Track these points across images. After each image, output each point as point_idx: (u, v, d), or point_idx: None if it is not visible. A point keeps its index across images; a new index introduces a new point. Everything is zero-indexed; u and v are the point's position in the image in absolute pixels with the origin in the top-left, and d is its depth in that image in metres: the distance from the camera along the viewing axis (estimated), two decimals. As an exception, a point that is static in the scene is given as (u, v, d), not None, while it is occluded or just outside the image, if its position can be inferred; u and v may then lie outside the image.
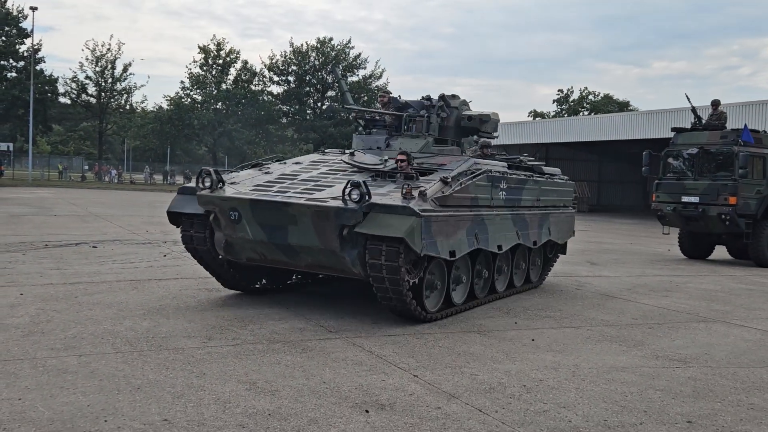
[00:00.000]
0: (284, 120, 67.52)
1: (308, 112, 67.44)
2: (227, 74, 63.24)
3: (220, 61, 62.78)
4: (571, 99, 65.03)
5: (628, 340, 7.64)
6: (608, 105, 63.52)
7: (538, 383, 5.79)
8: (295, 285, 9.92)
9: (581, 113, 61.92)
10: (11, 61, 59.36)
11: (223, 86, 62.50)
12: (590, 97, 65.07)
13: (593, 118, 40.96)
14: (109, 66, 61.37)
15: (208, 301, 8.59)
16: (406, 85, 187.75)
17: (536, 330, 7.93)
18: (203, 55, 62.60)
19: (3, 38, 58.12)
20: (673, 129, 17.89)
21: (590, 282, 12.18)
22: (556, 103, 65.54)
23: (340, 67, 63.99)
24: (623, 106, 64.46)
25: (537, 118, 61.34)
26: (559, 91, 65.85)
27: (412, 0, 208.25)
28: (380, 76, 67.17)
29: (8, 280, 9.58)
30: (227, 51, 63.04)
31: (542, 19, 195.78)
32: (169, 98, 63.52)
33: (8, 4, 58.41)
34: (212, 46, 62.67)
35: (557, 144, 42.56)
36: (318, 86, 66.58)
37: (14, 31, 58.61)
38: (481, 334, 7.57)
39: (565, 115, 60.34)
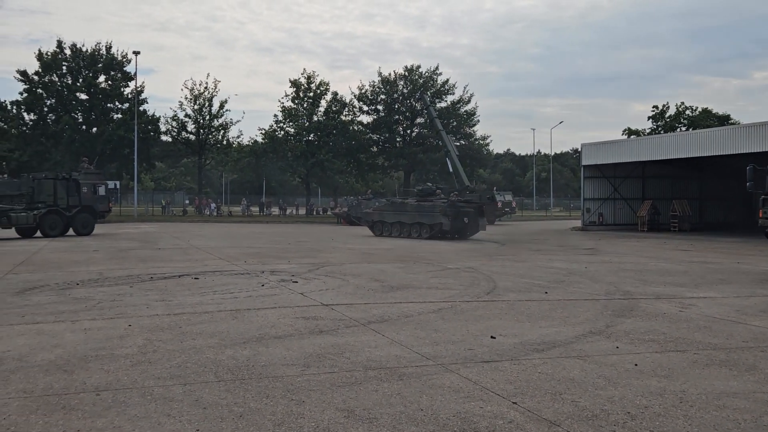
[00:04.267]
0: (374, 148, 68.30)
1: (398, 139, 68.00)
2: (318, 106, 64.60)
3: (311, 94, 64.21)
4: (667, 115, 62.98)
5: (738, 364, 7.28)
6: (707, 119, 61.16)
7: (643, 410, 5.58)
8: (389, 314, 9.96)
9: (678, 129, 59.86)
10: (117, 103, 62.65)
11: (315, 118, 63.86)
12: (687, 112, 62.88)
13: (693, 134, 39.45)
14: (207, 104, 63.78)
15: (306, 330, 8.73)
16: (494, 108, 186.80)
17: (639, 354, 7.66)
18: (294, 89, 64.21)
19: (110, 82, 61.50)
20: (779, 141, 17.08)
21: (695, 303, 11.68)
22: (651, 119, 63.62)
23: (429, 94, 64.35)
24: (723, 120, 61.94)
25: (632, 136, 59.68)
26: (654, 107, 63.79)
27: (497, 23, 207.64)
28: (468, 101, 67.18)
29: (117, 312, 10.03)
30: (317, 83, 64.47)
31: (632, 34, 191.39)
32: (263, 132, 65.44)
33: (113, 51, 61.84)
34: (303, 80, 64.25)
35: (655, 162, 41.28)
36: (407, 114, 67.11)
37: (119, 75, 61.96)
38: (581, 359, 7.38)
39: (662, 132, 58.45)
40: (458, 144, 63.70)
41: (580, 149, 46.61)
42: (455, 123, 66.28)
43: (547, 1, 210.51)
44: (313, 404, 5.60)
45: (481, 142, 72.00)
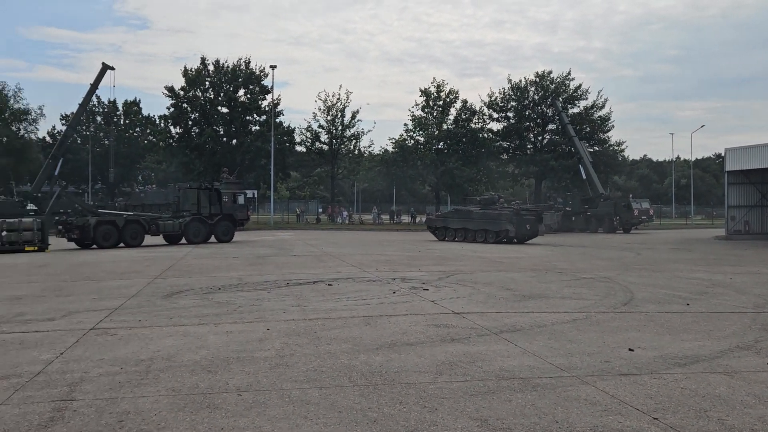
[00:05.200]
0: (504, 156, 67.57)
1: (528, 146, 66.96)
2: (448, 114, 64.68)
3: (441, 102, 64.41)
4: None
5: None
6: None
7: (799, 432, 5.20)
8: (521, 323, 9.80)
9: (837, 130, 55.49)
10: (255, 115, 65.38)
11: (444, 126, 63.99)
12: None
13: None
14: (339, 114, 65.34)
15: (437, 337, 8.74)
16: (630, 112, 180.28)
17: (794, 373, 7.14)
18: (425, 98, 64.64)
19: (248, 96, 64.27)
20: None
21: None
22: (805, 120, 59.42)
23: (560, 100, 62.98)
24: None
25: (783, 139, 55.80)
26: (807, 107, 59.71)
27: (632, 25, 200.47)
28: (602, 106, 65.22)
29: (256, 316, 10.45)
30: (447, 92, 64.59)
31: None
32: (393, 141, 66.28)
33: (252, 65, 64.64)
34: (433, 88, 64.57)
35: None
36: (538, 120, 66.01)
37: (257, 88, 64.61)
38: (727, 375, 6.97)
39: (817, 134, 54.39)
40: (592, 150, 61.97)
41: (723, 154, 44.09)
42: (588, 129, 64.49)
43: (685, 1, 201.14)
44: (446, 412, 5.60)
45: (616, 147, 69.63)
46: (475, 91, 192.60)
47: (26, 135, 68.44)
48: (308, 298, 12.47)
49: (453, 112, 64.93)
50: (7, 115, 66.33)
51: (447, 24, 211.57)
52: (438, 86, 64.71)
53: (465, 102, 65.22)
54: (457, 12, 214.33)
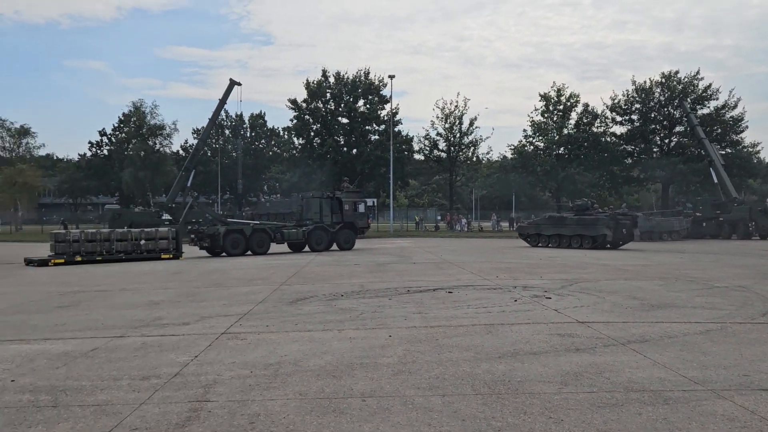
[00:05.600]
0: (629, 160, 65.30)
1: (654, 150, 64.44)
2: (568, 119, 63.34)
3: (561, 107, 63.15)
4: None
5: None
6: None
7: None
8: (650, 333, 9.43)
9: None
10: (374, 125, 66.42)
11: (565, 131, 62.67)
12: None
13: None
14: (457, 122, 65.28)
15: (561, 347, 8.55)
16: (765, 112, 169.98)
17: None
18: (544, 102, 63.58)
19: (368, 106, 65.41)
20: None
21: None
22: None
23: (688, 100, 60.28)
24: None
25: None
26: None
27: (766, 18, 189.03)
28: (735, 106, 61.86)
29: (378, 323, 10.59)
30: (567, 96, 63.26)
31: None
32: (512, 147, 65.51)
33: (371, 76, 65.75)
34: (552, 93, 63.41)
35: None
36: (664, 122, 63.45)
37: (376, 98, 65.65)
38: None
39: None
40: (723, 153, 58.86)
41: None
42: (720, 130, 61.38)
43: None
44: (572, 423, 5.48)
45: (750, 149, 65.85)
46: (597, 94, 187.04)
47: (161, 149, 72.65)
48: (429, 306, 12.50)
49: (574, 116, 63.63)
50: (144, 130, 70.62)
51: (566, 27, 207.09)
52: (558, 90, 63.57)
53: (586, 106, 63.75)
54: (577, 14, 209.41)
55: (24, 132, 72.61)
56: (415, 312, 11.72)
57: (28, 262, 26.67)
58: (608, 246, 33.01)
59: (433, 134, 66.27)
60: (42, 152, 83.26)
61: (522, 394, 6.35)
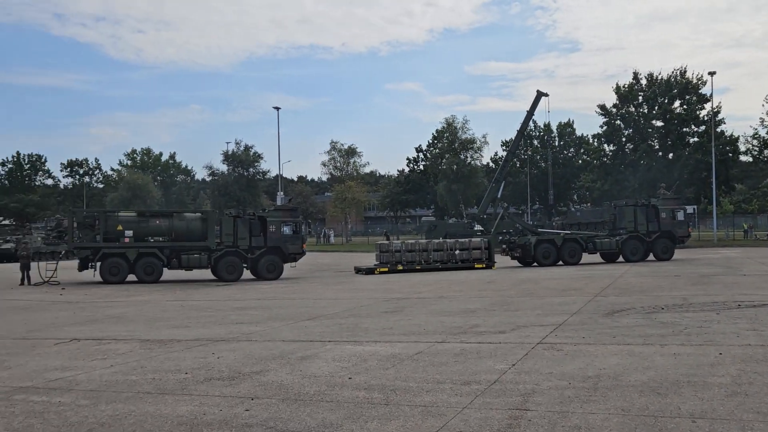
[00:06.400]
0: None
1: None
2: None
3: None
4: None
5: None
6: None
7: None
8: None
9: None
10: (692, 126, 62.03)
11: None
12: None
13: None
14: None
15: None
16: None
17: None
18: None
19: (685, 107, 61.34)
20: None
21: None
22: None
23: None
24: None
25: None
26: None
27: None
28: None
29: (705, 339, 9.81)
30: None
31: None
32: None
33: (687, 75, 61.55)
34: None
35: None
36: None
37: (694, 98, 61.30)
38: None
39: None
40: None
41: None
42: None
43: None
44: None
45: None
46: None
47: (472, 162, 74.96)
48: (765, 322, 11.29)
49: None
50: (456, 145, 73.58)
51: None
52: None
53: None
54: None
55: (352, 152, 79.61)
56: (748, 328, 10.66)
57: (358, 270, 29.38)
58: None
59: (762, 132, 59.93)
60: (366, 170, 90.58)
61: None
